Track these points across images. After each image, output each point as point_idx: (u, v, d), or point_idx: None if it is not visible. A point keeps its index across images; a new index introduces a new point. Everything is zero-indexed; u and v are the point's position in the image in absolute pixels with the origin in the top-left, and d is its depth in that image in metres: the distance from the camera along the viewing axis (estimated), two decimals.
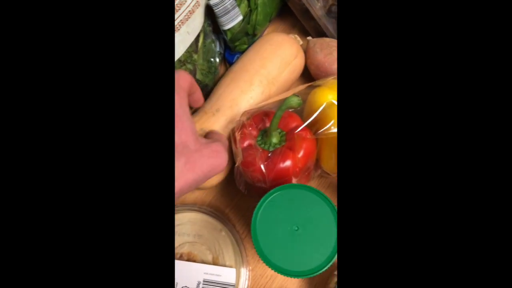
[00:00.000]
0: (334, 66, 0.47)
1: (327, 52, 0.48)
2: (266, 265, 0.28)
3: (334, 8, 0.53)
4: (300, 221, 0.29)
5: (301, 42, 0.53)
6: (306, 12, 0.51)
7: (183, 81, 0.28)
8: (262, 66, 0.43)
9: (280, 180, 0.35)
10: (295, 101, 0.32)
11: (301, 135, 0.36)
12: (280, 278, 0.43)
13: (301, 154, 0.35)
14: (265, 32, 0.57)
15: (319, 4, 0.50)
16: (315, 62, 0.49)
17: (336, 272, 0.40)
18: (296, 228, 0.29)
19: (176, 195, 0.23)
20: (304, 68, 0.52)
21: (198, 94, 0.33)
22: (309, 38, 0.52)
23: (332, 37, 0.51)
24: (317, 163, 0.44)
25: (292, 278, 0.43)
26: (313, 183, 0.47)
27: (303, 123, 0.37)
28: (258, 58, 0.44)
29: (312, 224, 0.29)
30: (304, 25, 0.55)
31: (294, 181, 0.38)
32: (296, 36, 0.52)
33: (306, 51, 0.50)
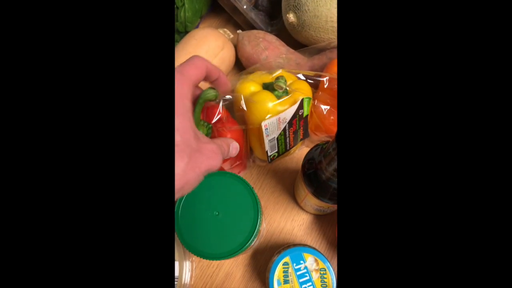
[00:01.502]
0: (262, 56, 0.49)
1: (255, 43, 0.49)
2: (189, 251, 0.29)
3: (261, 1, 0.54)
4: (220, 206, 0.31)
5: (231, 36, 0.54)
6: (235, 7, 0.52)
7: (192, 69, 0.26)
8: None
9: None
10: (211, 93, 0.33)
11: (224, 126, 0.37)
12: (226, 266, 0.45)
13: None
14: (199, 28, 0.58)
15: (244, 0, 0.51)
16: (245, 54, 0.50)
17: (277, 252, 0.41)
18: (217, 213, 0.30)
19: (176, 195, 0.23)
20: (237, 59, 0.53)
21: (223, 78, 0.30)
22: (239, 31, 0.53)
23: (260, 29, 0.53)
24: (252, 152, 0.45)
25: (237, 265, 0.45)
26: (253, 171, 0.49)
27: (228, 116, 0.39)
28: (183, 54, 0.45)
29: (232, 208, 0.30)
30: (236, 20, 0.57)
31: (227, 168, 0.40)
32: (226, 30, 0.54)
33: (237, 44, 0.52)
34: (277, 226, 0.46)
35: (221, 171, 0.32)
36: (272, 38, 0.50)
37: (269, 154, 0.39)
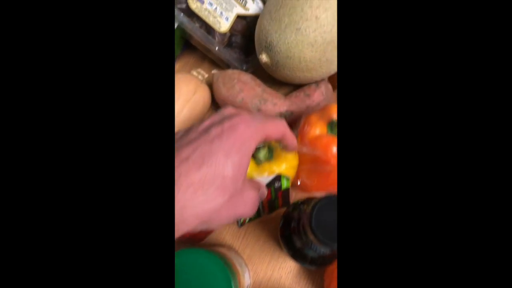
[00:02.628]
0: (238, 99, 0.47)
1: (230, 86, 0.48)
2: None
3: (235, 38, 0.53)
4: None
5: (205, 75, 0.53)
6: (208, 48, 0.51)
7: (271, 129, 0.25)
8: None
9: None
10: None
11: None
12: None
13: None
14: (175, 68, 0.57)
15: (216, 40, 0.50)
16: (220, 97, 0.49)
17: None
18: None
19: (202, 224, 0.22)
20: (214, 99, 0.51)
21: (292, 142, 0.30)
22: (213, 71, 0.52)
23: (235, 68, 0.51)
24: None
25: None
26: (233, 229, 0.47)
27: None
28: None
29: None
30: (211, 57, 0.55)
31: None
32: (200, 70, 0.52)
33: (212, 85, 0.50)
34: (264, 275, 0.45)
35: (196, 249, 0.30)
36: (247, 78, 0.49)
37: (240, 220, 0.37)
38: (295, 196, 0.46)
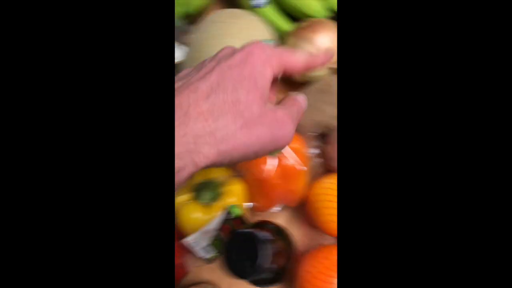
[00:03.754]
0: None
1: None
2: None
3: None
4: None
5: None
6: None
7: (292, 61, 0.24)
8: None
9: None
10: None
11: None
12: None
13: None
14: None
15: None
16: None
17: None
18: None
19: (222, 156, 0.20)
20: None
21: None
22: None
23: None
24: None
25: None
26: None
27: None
28: None
29: None
30: None
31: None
32: None
33: None
34: None
35: None
36: None
37: (207, 257, 0.39)
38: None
